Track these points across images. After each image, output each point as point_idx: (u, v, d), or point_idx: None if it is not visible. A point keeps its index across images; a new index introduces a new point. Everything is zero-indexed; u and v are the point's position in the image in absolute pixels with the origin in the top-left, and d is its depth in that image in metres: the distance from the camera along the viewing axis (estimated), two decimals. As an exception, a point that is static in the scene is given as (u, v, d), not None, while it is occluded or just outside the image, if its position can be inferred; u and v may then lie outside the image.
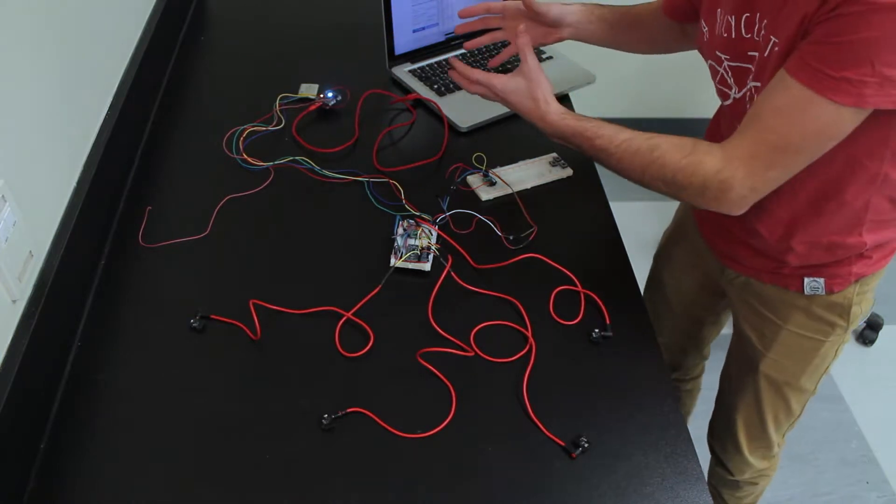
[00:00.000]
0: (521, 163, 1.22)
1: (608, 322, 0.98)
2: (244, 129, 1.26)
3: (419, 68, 1.42)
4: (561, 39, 1.20)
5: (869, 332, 2.12)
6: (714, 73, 1.01)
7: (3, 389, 0.77)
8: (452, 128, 1.29)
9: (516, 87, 1.04)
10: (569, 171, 1.21)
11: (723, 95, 1.02)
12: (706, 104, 2.69)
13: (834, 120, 0.81)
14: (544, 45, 1.21)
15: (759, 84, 0.91)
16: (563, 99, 1.38)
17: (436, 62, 1.43)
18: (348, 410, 0.86)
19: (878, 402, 1.98)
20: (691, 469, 0.83)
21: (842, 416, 1.95)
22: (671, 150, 0.90)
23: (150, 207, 1.13)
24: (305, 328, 0.96)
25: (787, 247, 1.02)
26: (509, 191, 1.16)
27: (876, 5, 0.73)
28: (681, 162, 0.89)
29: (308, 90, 1.34)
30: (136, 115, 1.26)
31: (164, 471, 0.81)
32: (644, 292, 1.43)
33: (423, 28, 1.42)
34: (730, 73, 0.98)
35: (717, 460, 1.42)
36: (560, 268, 1.04)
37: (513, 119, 1.32)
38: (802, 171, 0.88)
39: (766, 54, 0.88)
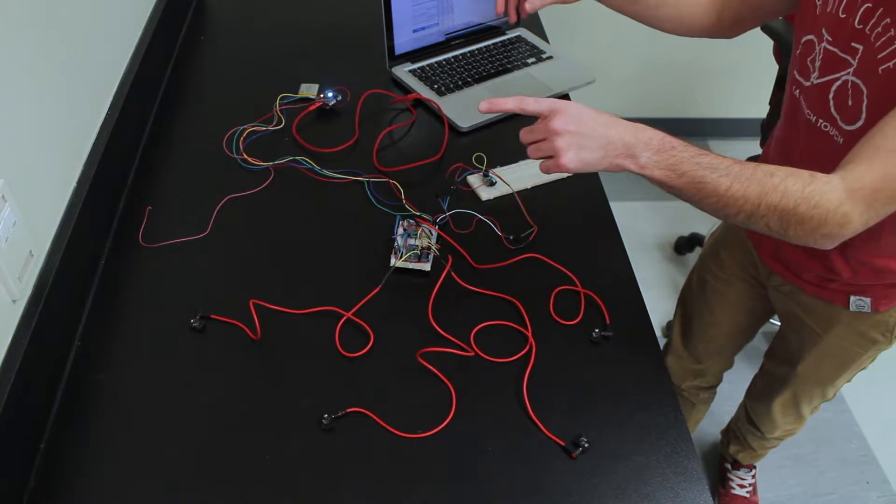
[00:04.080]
0: (521, 163, 1.22)
1: (608, 322, 0.98)
2: (244, 129, 1.26)
3: (419, 68, 1.42)
4: None
5: (869, 332, 2.12)
6: (807, 50, 0.94)
7: (3, 389, 0.77)
8: (452, 128, 1.29)
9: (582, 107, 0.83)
10: (569, 171, 1.21)
11: (804, 75, 0.96)
12: (706, 104, 2.71)
13: None
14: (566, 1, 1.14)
15: (858, 81, 0.86)
16: (563, 98, 1.38)
17: (436, 62, 1.43)
18: (348, 410, 0.86)
19: (878, 402, 1.98)
20: (691, 469, 0.83)
21: (842, 416, 1.95)
22: (790, 178, 0.79)
23: (150, 207, 1.12)
24: (305, 328, 0.96)
25: (837, 259, 1.02)
26: (509, 191, 1.16)
27: None
28: (804, 191, 0.79)
29: (308, 90, 1.34)
30: (136, 115, 1.26)
31: (164, 471, 0.81)
32: (681, 293, 1.45)
33: (423, 28, 1.42)
34: (821, 56, 0.91)
35: (748, 418, 1.48)
36: (560, 268, 1.04)
37: (513, 119, 1.31)
38: None
39: (879, 56, 0.82)
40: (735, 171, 0.80)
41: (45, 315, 0.86)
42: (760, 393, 1.41)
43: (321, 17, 1.62)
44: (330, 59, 1.48)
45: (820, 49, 0.92)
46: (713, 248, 1.35)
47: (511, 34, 1.51)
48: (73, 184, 1.02)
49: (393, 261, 1.03)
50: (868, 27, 0.84)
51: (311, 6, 1.66)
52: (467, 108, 1.32)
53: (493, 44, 1.49)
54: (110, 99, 1.18)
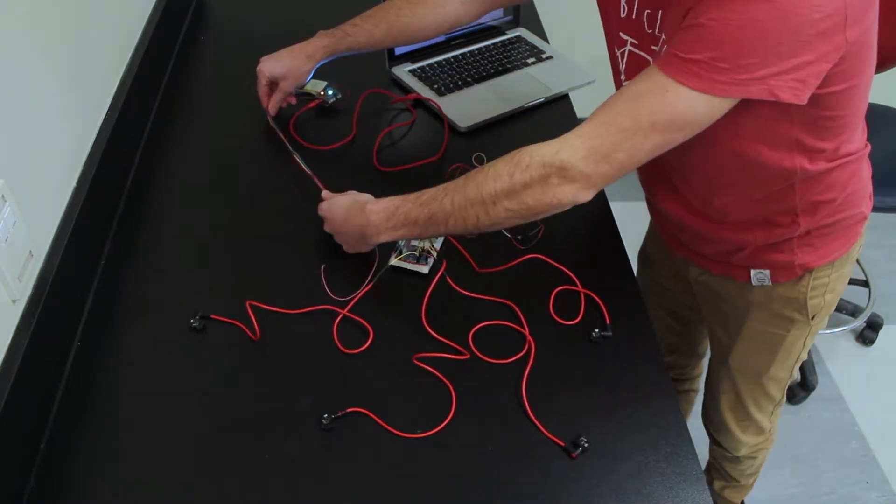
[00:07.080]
0: (521, 163, 1.22)
1: (608, 322, 0.98)
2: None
3: (419, 68, 1.42)
4: None
5: (869, 332, 2.12)
6: (614, 54, 0.99)
7: (3, 389, 0.77)
8: (452, 128, 1.29)
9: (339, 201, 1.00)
10: (569, 171, 1.21)
11: (617, 81, 1.01)
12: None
13: (688, 108, 0.76)
14: None
15: None
16: (563, 99, 1.38)
17: (436, 62, 1.43)
18: (348, 410, 0.86)
19: (878, 402, 1.98)
20: (691, 469, 0.83)
21: (842, 416, 1.95)
22: (498, 162, 0.85)
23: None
24: (305, 328, 0.96)
25: (718, 212, 1.00)
26: (509, 191, 1.16)
27: None
28: (511, 162, 0.83)
29: (314, 86, 1.34)
30: (136, 115, 1.26)
31: (164, 471, 0.81)
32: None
33: (423, 28, 1.42)
34: (625, 60, 0.94)
35: (713, 440, 1.44)
36: (560, 267, 1.04)
37: (513, 119, 1.32)
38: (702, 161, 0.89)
39: (660, 52, 0.85)
40: (451, 187, 0.87)
41: (45, 315, 0.86)
42: (710, 404, 1.38)
43: (321, 17, 1.61)
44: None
45: (623, 52, 0.94)
46: (644, 249, 1.38)
47: (511, 34, 1.51)
48: (73, 184, 1.02)
49: (392, 258, 1.03)
50: (656, 30, 0.87)
51: (310, 6, 1.66)
52: (467, 108, 1.32)
53: (493, 44, 1.48)
54: (110, 99, 1.18)
